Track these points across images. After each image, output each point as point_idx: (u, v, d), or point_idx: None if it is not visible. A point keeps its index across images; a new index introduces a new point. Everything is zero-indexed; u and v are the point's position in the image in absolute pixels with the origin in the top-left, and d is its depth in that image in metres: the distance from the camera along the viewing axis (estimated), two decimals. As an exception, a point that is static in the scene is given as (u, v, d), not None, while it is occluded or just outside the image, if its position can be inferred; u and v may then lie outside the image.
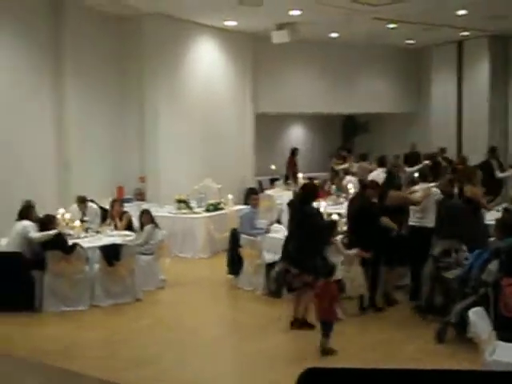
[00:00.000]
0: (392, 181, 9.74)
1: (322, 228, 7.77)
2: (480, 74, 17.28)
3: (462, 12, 13.71)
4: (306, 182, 10.04)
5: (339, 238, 8.62)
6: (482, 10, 13.72)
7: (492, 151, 14.50)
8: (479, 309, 5.47)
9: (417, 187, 9.23)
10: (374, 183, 9.02)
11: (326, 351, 6.78)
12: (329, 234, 8.03)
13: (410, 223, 8.93)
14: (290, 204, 8.13)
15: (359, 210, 8.44)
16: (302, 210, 7.64)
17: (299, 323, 7.60)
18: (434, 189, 9.11)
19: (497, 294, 6.16)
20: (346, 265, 8.09)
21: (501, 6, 13.32)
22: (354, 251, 8.06)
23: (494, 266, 6.38)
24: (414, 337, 7.31)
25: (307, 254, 7.36)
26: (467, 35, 16.73)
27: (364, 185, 9.07)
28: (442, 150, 15.37)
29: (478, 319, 5.33)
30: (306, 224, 7.47)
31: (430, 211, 8.72)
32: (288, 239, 7.88)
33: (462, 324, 6.18)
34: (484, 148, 16.32)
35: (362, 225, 8.21)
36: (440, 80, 18.34)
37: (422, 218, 8.79)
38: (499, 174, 12.95)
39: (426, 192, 8.89)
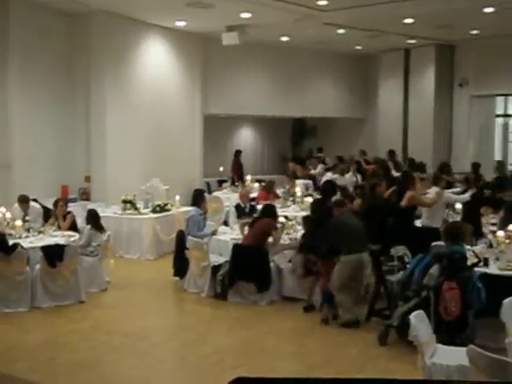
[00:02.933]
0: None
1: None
2: (426, 80, 17.64)
3: (409, 20, 13.97)
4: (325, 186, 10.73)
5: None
6: (428, 20, 14.03)
7: (390, 154, 16.41)
8: (420, 312, 5.55)
9: (429, 190, 9.93)
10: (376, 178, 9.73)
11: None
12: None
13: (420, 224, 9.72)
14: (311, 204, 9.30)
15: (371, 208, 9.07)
16: (319, 210, 8.68)
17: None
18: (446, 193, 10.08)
19: (437, 297, 6.29)
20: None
21: (446, 16, 13.64)
22: None
23: (435, 270, 6.50)
24: (357, 340, 7.38)
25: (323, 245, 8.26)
26: (414, 43, 17.05)
27: (373, 184, 9.80)
28: (363, 152, 17.10)
29: (419, 323, 5.41)
30: (321, 221, 8.35)
31: (439, 213, 9.69)
32: (306, 234, 8.76)
33: (404, 327, 6.26)
34: (430, 152, 16.88)
35: (374, 221, 8.62)
36: (387, 86, 18.63)
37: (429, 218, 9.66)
38: (395, 174, 13.96)
39: (439, 194, 9.65)
